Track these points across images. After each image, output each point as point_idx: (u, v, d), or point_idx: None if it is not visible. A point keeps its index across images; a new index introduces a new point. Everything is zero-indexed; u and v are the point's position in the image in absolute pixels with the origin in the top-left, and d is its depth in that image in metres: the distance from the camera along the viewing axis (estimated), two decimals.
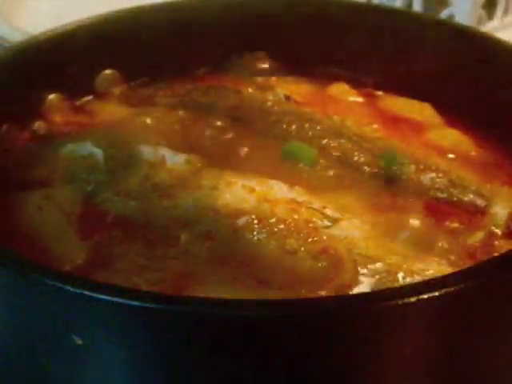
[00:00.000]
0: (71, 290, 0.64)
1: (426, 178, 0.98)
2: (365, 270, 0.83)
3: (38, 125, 1.11)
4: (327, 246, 0.85)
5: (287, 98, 1.15)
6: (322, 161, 1.01)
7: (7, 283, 0.70)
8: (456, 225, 0.92)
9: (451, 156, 1.06)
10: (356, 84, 1.22)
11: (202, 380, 0.67)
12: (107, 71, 1.20)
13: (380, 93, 1.22)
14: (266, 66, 1.27)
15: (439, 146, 1.08)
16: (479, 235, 0.90)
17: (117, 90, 1.20)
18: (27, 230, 0.89)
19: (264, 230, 0.87)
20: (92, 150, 1.00)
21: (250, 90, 1.17)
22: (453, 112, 1.15)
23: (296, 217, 0.89)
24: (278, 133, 1.07)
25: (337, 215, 0.91)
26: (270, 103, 1.12)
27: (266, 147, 1.04)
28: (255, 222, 0.88)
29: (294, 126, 1.06)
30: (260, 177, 0.95)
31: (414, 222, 0.92)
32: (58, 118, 1.13)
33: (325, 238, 0.86)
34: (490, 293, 0.70)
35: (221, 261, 0.84)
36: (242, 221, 0.87)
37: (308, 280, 0.81)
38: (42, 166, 1.01)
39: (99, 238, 0.87)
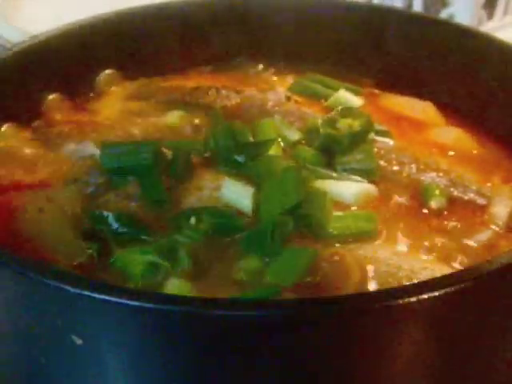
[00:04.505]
0: (71, 290, 0.64)
1: (427, 177, 0.98)
2: (367, 271, 0.83)
3: (39, 124, 1.11)
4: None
5: (287, 98, 1.15)
6: None
7: (7, 283, 0.70)
8: (456, 224, 0.91)
9: (452, 154, 1.06)
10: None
11: (202, 379, 0.67)
12: (107, 71, 1.20)
13: (381, 92, 1.22)
14: (265, 65, 1.27)
15: (441, 144, 1.08)
16: (479, 234, 0.90)
17: (116, 89, 1.20)
18: (28, 231, 0.89)
19: None
20: (92, 150, 1.00)
21: (251, 89, 1.17)
22: (453, 111, 1.15)
23: None
24: None
25: None
26: (270, 103, 1.12)
27: None
28: None
29: None
30: None
31: (414, 222, 0.92)
32: (58, 118, 1.12)
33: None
34: (490, 293, 0.70)
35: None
36: None
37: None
38: (42, 166, 1.01)
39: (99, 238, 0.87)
